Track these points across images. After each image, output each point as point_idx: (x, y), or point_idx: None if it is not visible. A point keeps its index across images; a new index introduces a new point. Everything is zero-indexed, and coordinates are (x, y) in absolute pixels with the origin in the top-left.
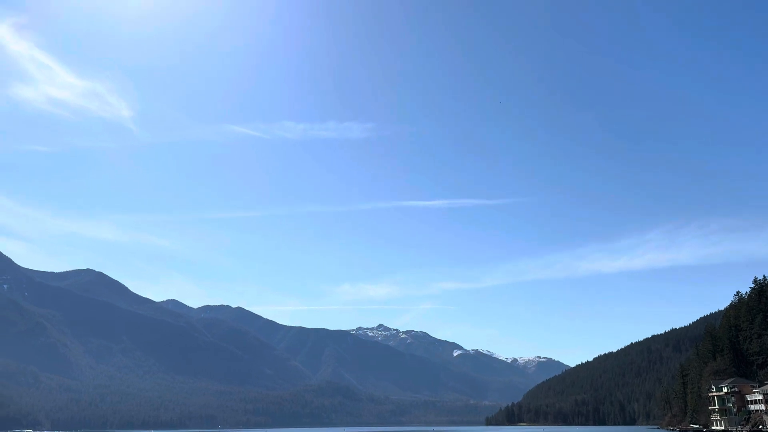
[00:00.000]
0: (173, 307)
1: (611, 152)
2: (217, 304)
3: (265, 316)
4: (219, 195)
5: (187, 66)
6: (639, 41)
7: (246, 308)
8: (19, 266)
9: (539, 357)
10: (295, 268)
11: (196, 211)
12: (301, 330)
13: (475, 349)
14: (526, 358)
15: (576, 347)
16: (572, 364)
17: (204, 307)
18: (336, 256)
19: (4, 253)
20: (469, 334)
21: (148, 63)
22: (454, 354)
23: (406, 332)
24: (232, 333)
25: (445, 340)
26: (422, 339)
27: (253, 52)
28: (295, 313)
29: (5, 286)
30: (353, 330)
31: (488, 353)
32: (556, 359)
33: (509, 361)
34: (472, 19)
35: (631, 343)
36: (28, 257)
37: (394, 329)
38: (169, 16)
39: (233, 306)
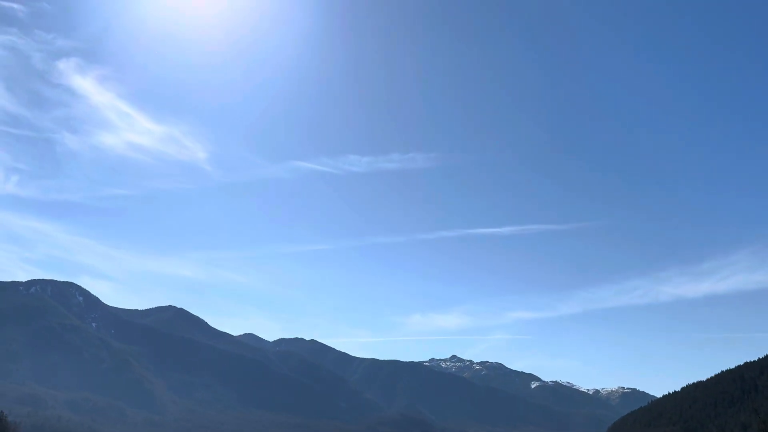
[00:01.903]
0: (250, 340)
1: (689, 168)
2: (292, 336)
3: (338, 348)
4: (290, 230)
5: (256, 107)
6: (709, 57)
7: (319, 340)
8: (106, 305)
9: (623, 387)
10: (366, 300)
11: (270, 246)
12: (374, 362)
13: (554, 380)
14: (609, 389)
15: (662, 376)
16: (658, 395)
17: (279, 340)
18: (405, 287)
19: (92, 293)
20: (547, 365)
21: (220, 106)
22: (532, 386)
23: (481, 363)
24: (307, 366)
25: (522, 371)
26: (497, 370)
27: (316, 89)
28: (367, 344)
29: (94, 325)
30: (426, 361)
31: (568, 384)
32: (641, 389)
33: (591, 392)
34: (536, 44)
35: (722, 372)
36: (114, 296)
37: (467, 360)
38: (237, 61)
39: (307, 339)
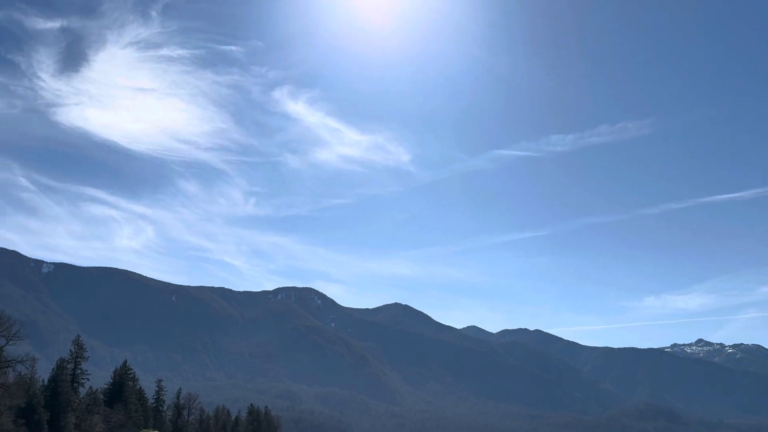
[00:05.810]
0: (474, 332)
1: None
2: (515, 327)
3: (565, 338)
4: (500, 219)
5: (450, 103)
6: None
7: (544, 330)
8: (341, 306)
9: None
10: (590, 285)
11: (481, 238)
12: (607, 350)
13: None
14: None
15: None
16: None
17: (503, 331)
18: (633, 269)
19: (327, 295)
20: None
21: (417, 109)
22: None
23: (734, 346)
24: (535, 356)
25: None
26: (755, 353)
27: (506, 74)
28: (596, 332)
29: (332, 324)
30: (668, 347)
31: None
32: None
33: None
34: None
35: None
36: (347, 297)
37: (717, 344)
38: (427, 64)
39: (531, 329)
